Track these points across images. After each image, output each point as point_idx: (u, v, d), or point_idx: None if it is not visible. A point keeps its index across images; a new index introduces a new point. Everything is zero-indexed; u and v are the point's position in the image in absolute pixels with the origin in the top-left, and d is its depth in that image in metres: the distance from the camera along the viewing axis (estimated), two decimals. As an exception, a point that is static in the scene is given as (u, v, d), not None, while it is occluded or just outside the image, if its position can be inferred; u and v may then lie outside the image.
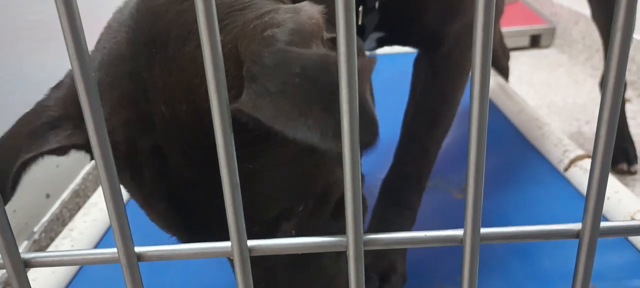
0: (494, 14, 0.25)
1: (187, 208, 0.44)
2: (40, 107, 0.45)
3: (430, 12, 0.67)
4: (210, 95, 0.26)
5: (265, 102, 0.35)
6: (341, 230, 0.51)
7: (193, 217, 0.45)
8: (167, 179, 0.43)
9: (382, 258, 0.70)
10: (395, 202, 0.73)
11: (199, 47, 0.41)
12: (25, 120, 0.45)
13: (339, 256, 0.52)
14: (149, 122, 0.42)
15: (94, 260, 0.32)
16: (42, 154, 0.43)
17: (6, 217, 0.30)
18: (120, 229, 0.29)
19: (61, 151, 0.45)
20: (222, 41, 0.35)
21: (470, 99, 0.27)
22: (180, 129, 0.41)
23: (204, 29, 0.24)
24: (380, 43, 0.71)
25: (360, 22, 0.60)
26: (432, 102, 0.74)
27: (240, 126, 0.40)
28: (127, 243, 0.30)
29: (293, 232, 0.47)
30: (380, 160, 0.72)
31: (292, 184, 0.44)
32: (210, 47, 0.25)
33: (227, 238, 0.44)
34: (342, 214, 0.51)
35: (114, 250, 0.30)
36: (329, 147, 0.33)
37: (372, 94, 0.75)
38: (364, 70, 0.36)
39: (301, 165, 0.45)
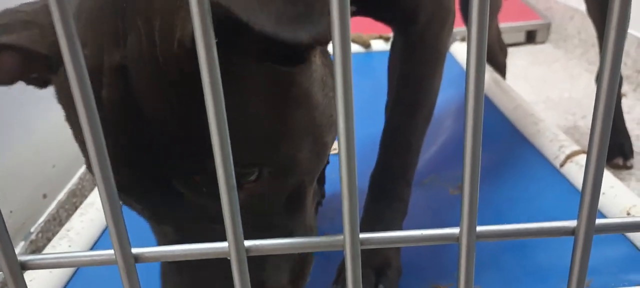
0: (488, 6, 0.25)
1: (141, 147, 0.41)
2: (11, 11, 0.43)
3: None
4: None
5: None
6: (291, 231, 0.48)
7: (145, 157, 0.41)
8: (126, 106, 0.40)
9: (377, 254, 0.70)
10: (384, 196, 0.72)
11: None
12: None
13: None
14: (122, 38, 0.40)
15: (91, 262, 0.32)
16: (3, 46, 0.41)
17: (2, 219, 0.30)
18: (116, 231, 0.29)
19: (21, 55, 0.42)
20: None
21: (465, 95, 0.27)
22: (151, 49, 0.39)
23: None
24: (352, 15, 0.70)
25: None
26: (409, 92, 0.73)
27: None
28: (124, 244, 0.30)
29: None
30: (370, 157, 0.73)
31: (253, 139, 0.42)
32: None
33: (176, 195, 0.42)
34: (295, 210, 0.49)
35: (111, 251, 0.30)
36: (284, 37, 0.33)
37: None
38: None
39: (270, 121, 0.42)
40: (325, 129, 0.48)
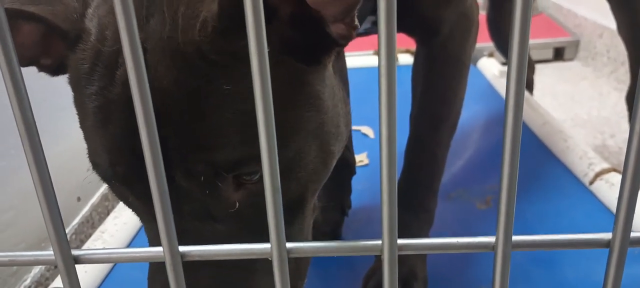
0: (530, 20, 0.26)
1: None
2: None
3: None
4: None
5: None
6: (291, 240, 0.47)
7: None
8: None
9: (402, 264, 0.70)
10: (410, 207, 0.72)
11: None
12: None
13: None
14: (144, 21, 0.40)
15: (140, 258, 0.33)
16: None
17: (59, 213, 0.31)
18: (166, 228, 0.31)
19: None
20: None
21: (505, 106, 0.28)
22: (173, 31, 0.40)
23: None
24: (376, 25, 0.70)
25: None
26: (432, 103, 0.72)
27: (229, 42, 0.39)
28: (172, 242, 0.31)
29: (237, 204, 0.43)
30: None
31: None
32: None
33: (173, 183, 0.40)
34: (294, 221, 0.47)
35: (160, 249, 0.32)
36: None
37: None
38: None
39: (281, 116, 0.40)
40: (333, 137, 0.47)
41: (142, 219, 0.47)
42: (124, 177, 0.43)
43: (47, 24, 0.43)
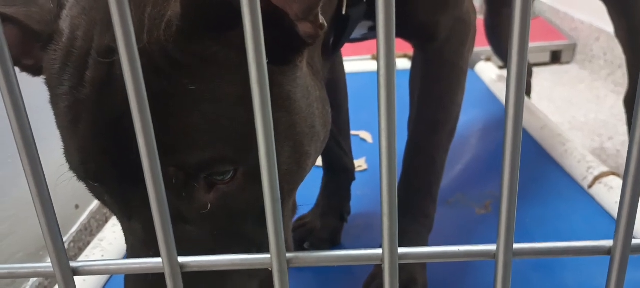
0: (530, 24, 0.26)
1: (116, 133, 0.40)
2: None
3: (419, 2, 0.65)
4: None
5: None
6: (265, 244, 0.44)
7: (119, 145, 0.40)
8: (107, 89, 0.40)
9: (402, 270, 0.69)
10: (409, 213, 0.72)
11: None
12: None
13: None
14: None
15: (139, 269, 0.33)
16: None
17: (57, 225, 0.31)
18: (165, 239, 0.30)
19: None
20: None
21: (505, 116, 0.28)
22: (139, 33, 0.39)
23: None
24: (372, 30, 0.69)
25: (344, 12, 0.58)
26: (430, 109, 0.72)
27: (194, 43, 0.39)
28: (171, 253, 0.31)
29: (209, 205, 0.43)
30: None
31: (230, 134, 0.41)
32: None
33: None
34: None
35: (159, 260, 0.31)
36: None
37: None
38: None
39: (248, 117, 0.40)
40: (307, 138, 0.47)
41: (118, 218, 0.47)
42: (95, 176, 0.43)
43: (20, 25, 0.44)
